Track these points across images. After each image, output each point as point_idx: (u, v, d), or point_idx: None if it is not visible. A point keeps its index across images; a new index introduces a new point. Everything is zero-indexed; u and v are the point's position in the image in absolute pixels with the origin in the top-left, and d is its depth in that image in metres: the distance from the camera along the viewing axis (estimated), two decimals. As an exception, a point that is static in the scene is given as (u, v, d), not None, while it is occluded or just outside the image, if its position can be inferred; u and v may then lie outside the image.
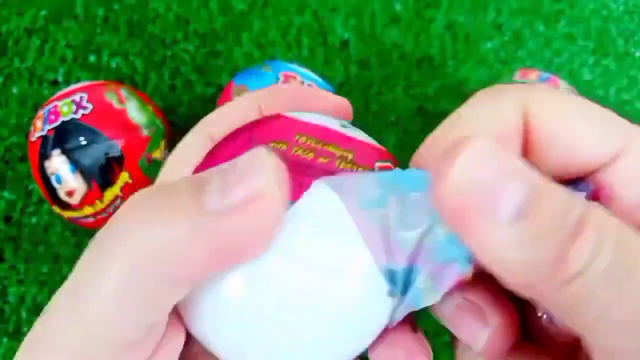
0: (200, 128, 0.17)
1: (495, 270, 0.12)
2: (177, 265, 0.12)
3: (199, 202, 0.12)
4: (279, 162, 0.13)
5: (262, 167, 0.12)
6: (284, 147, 0.14)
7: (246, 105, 0.17)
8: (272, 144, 0.15)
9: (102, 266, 0.13)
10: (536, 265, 0.11)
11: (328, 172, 0.14)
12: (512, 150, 0.14)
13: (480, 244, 0.12)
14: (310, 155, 0.14)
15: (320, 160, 0.14)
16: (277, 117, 0.15)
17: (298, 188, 0.13)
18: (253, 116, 0.16)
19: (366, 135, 0.16)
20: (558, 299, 0.11)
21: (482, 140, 0.12)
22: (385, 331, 0.15)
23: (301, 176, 0.14)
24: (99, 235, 0.13)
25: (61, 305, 0.13)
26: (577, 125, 0.14)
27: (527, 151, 0.14)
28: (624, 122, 0.14)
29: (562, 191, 0.12)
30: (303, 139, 0.15)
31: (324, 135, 0.15)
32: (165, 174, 0.16)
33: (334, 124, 0.15)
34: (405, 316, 0.15)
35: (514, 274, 0.12)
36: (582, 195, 0.14)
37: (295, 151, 0.14)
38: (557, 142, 0.14)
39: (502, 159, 0.12)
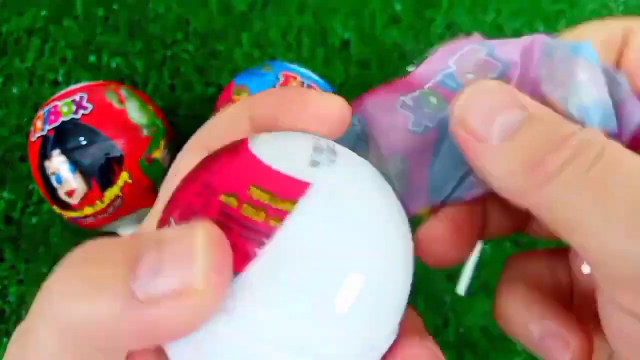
0: (194, 144, 0.17)
1: (494, 186, 0.14)
2: (106, 339, 0.12)
3: (127, 285, 0.12)
4: (216, 243, 0.12)
5: (195, 253, 0.12)
6: (234, 204, 0.13)
7: (236, 114, 0.17)
8: (222, 197, 0.13)
9: (36, 332, 0.13)
10: (521, 172, 0.13)
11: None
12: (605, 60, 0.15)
13: (477, 162, 0.14)
14: (261, 217, 0.13)
15: (271, 223, 0.13)
16: (239, 150, 0.14)
17: (242, 259, 0.13)
18: (243, 125, 0.16)
19: (346, 158, 0.15)
20: (542, 202, 0.13)
21: (489, 80, 0.14)
22: (395, 346, 0.15)
23: (247, 244, 0.13)
24: (33, 304, 0.13)
25: None
26: None
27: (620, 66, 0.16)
28: None
29: (554, 117, 0.14)
30: (256, 193, 0.13)
31: (280, 188, 0.14)
32: (162, 199, 0.16)
33: (301, 161, 0.14)
34: (414, 324, 0.16)
35: (506, 185, 0.14)
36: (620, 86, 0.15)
37: (245, 210, 0.13)
38: None
39: (500, 92, 0.14)
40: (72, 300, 0.12)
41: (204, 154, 0.16)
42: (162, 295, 0.12)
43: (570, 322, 0.16)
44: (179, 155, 0.17)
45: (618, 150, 0.13)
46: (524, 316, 0.17)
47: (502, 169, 0.13)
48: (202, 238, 0.12)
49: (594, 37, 0.16)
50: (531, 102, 0.14)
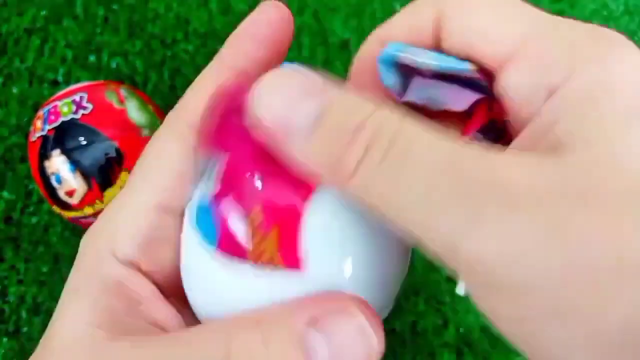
0: (172, 121, 0.18)
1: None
2: None
3: None
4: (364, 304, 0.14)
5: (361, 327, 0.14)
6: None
7: (212, 76, 0.18)
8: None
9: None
10: (327, 171, 0.13)
11: None
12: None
13: (289, 155, 0.13)
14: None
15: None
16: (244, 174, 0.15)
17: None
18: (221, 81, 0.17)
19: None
20: (351, 195, 0.13)
21: (285, 66, 0.14)
22: None
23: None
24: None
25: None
26: (482, 20, 0.15)
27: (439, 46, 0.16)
28: (529, 13, 0.15)
29: (351, 99, 0.13)
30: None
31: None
32: (136, 177, 0.17)
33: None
34: None
35: (319, 179, 0.14)
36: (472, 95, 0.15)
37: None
38: (463, 37, 0.15)
39: (300, 78, 0.13)
40: None
41: (183, 131, 0.17)
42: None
43: None
44: (156, 134, 0.17)
45: (411, 129, 0.12)
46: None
47: (314, 164, 0.13)
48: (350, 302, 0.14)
49: (401, 26, 0.16)
50: (332, 86, 0.14)
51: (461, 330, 0.31)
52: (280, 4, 0.18)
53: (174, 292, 0.16)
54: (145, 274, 0.16)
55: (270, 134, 0.13)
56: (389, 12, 0.38)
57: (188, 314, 0.16)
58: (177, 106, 0.18)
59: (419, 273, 0.33)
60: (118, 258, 0.16)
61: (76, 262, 0.16)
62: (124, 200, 0.17)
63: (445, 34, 0.15)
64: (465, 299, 0.32)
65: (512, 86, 0.14)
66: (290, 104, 0.13)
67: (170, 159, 0.17)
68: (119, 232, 0.16)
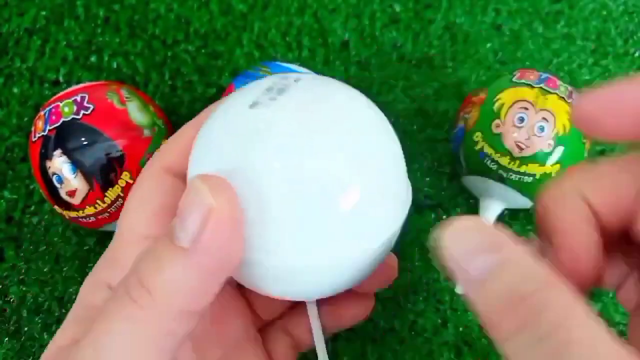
0: (154, 162, 0.21)
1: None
2: (192, 298, 0.16)
3: (175, 246, 0.16)
4: (205, 177, 0.16)
5: (196, 190, 0.15)
6: None
7: (192, 130, 0.20)
8: None
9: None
10: (487, 323, 0.14)
11: None
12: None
13: (466, 294, 0.15)
14: None
15: None
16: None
17: None
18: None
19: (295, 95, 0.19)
20: (505, 354, 0.14)
21: (467, 219, 0.15)
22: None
23: None
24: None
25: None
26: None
27: None
28: None
29: (525, 264, 0.14)
30: None
31: None
32: (124, 221, 0.20)
33: (244, 104, 0.19)
34: None
35: (485, 322, 0.14)
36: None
37: None
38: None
39: (483, 233, 0.15)
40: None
41: (164, 177, 0.19)
42: (197, 230, 0.15)
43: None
44: (139, 178, 0.20)
45: (577, 318, 0.12)
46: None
47: (479, 306, 0.14)
48: (194, 181, 0.16)
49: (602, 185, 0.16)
50: (507, 242, 0.14)
51: (460, 329, 0.31)
52: None
53: None
54: None
55: (455, 271, 0.15)
56: (389, 12, 0.39)
57: None
58: (157, 152, 0.21)
59: (418, 272, 0.33)
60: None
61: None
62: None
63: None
64: (465, 298, 0.32)
65: None
66: (467, 257, 0.14)
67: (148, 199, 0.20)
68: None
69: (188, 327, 0.16)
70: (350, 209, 0.17)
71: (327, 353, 0.23)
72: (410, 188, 0.20)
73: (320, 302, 0.24)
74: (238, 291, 0.25)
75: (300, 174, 0.16)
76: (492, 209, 0.31)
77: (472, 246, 0.14)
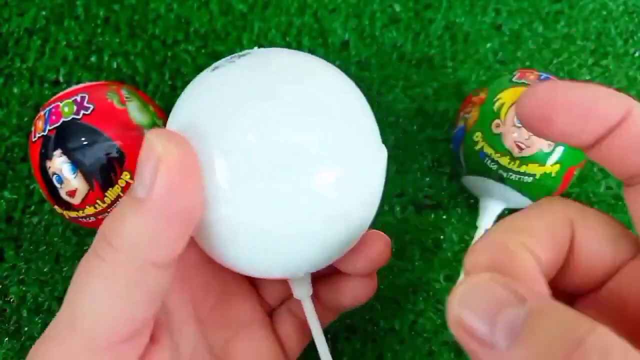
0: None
1: None
2: (155, 249, 0.16)
3: (133, 197, 0.16)
4: (158, 132, 0.17)
5: (149, 143, 0.16)
6: None
7: None
8: None
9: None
10: None
11: None
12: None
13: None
14: None
15: None
16: None
17: None
18: None
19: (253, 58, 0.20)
20: None
21: (476, 276, 0.13)
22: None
23: None
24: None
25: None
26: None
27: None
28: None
29: (560, 312, 0.12)
30: None
31: None
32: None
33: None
34: None
35: None
36: None
37: None
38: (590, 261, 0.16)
39: (495, 285, 0.13)
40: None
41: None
42: (150, 180, 0.16)
43: None
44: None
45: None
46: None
47: None
48: (147, 135, 0.17)
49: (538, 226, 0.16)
50: (529, 290, 0.13)
51: (461, 329, 0.31)
52: None
53: None
54: None
55: (473, 347, 0.13)
56: (389, 12, 0.39)
57: None
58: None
59: (417, 272, 0.33)
60: None
61: None
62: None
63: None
64: None
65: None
66: (490, 312, 0.12)
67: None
68: None
69: (156, 281, 0.17)
70: (315, 152, 0.17)
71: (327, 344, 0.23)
72: (384, 148, 0.20)
73: (319, 283, 0.24)
74: (246, 279, 0.25)
75: (261, 124, 0.17)
76: (492, 209, 0.31)
77: (492, 301, 0.12)
